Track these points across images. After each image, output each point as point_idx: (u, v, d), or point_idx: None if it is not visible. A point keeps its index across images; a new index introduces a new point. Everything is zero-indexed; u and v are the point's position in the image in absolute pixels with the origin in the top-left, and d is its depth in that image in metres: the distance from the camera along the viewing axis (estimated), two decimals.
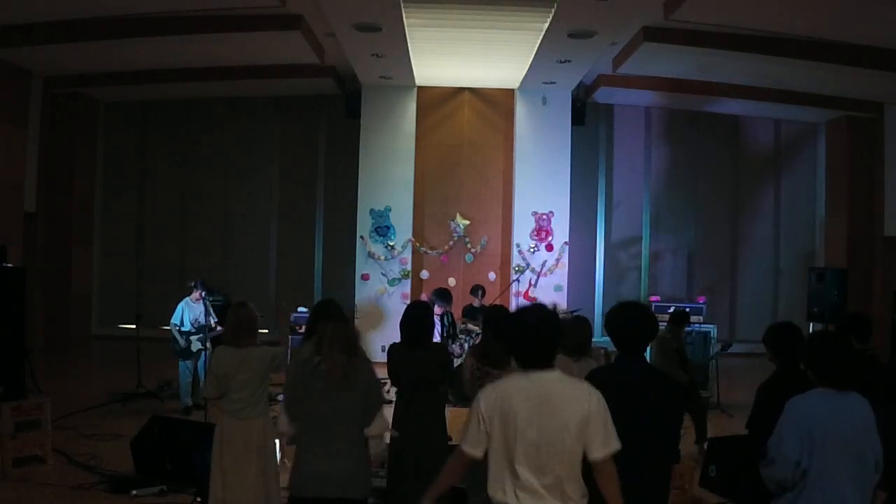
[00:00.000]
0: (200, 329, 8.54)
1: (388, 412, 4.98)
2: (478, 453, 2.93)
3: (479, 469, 4.88)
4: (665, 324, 7.70)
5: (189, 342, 8.52)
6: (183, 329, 8.54)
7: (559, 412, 2.84)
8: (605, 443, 2.86)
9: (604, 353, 9.10)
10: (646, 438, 3.29)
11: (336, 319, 3.98)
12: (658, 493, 3.40)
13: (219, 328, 8.54)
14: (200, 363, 8.54)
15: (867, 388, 3.36)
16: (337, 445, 3.73)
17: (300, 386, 3.83)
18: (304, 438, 3.80)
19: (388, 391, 9.17)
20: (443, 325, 9.69)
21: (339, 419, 3.75)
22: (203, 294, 8.70)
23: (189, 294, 8.74)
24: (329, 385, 3.73)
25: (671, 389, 3.54)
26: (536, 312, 3.04)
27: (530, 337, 2.95)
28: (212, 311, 8.71)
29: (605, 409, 2.90)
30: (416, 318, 4.95)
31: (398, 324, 5.00)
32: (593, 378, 3.48)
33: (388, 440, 4.07)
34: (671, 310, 8.31)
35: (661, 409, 3.38)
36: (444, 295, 9.88)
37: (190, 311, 8.61)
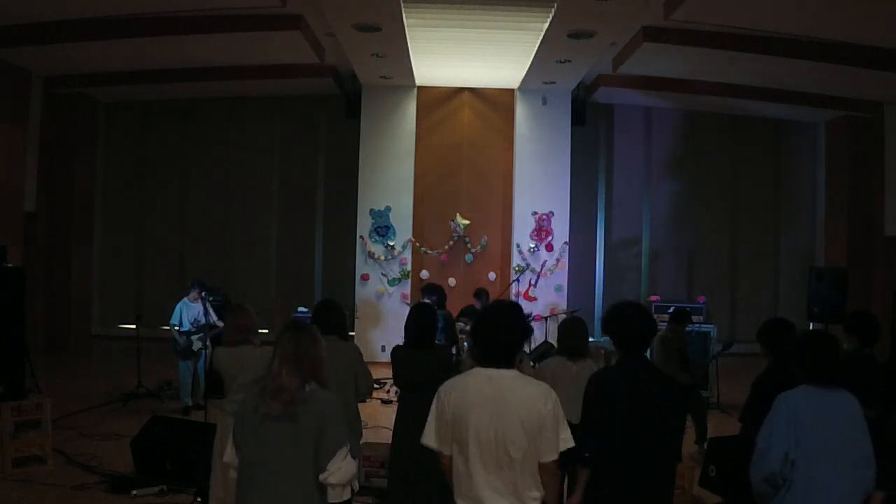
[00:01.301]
0: (200, 329, 8.54)
1: (390, 412, 5.00)
2: (447, 451, 2.95)
3: None
4: (666, 323, 7.71)
5: (189, 342, 8.52)
6: (182, 329, 8.54)
7: (514, 410, 2.87)
8: (556, 447, 2.91)
9: (603, 353, 9.11)
10: (650, 440, 3.30)
11: (298, 331, 3.14)
12: (662, 494, 3.40)
13: (219, 324, 8.55)
14: (200, 363, 8.54)
15: (865, 390, 3.36)
16: (275, 489, 2.97)
17: (247, 408, 3.09)
18: (240, 474, 3.09)
19: (389, 391, 9.22)
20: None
21: (279, 455, 2.97)
22: (202, 294, 8.70)
23: (187, 294, 8.74)
24: (271, 411, 2.97)
25: (674, 391, 3.55)
26: (503, 315, 3.05)
27: (492, 337, 2.98)
28: (211, 310, 8.71)
29: (561, 414, 2.94)
30: (419, 319, 4.96)
31: (400, 324, 5.02)
32: (596, 381, 3.48)
33: (355, 488, 3.22)
34: (671, 310, 8.31)
35: (665, 410, 3.38)
36: (428, 290, 9.65)
37: (188, 311, 8.62)
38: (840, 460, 3.17)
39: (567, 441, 2.94)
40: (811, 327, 10.30)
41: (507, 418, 2.86)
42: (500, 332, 2.98)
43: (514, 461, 2.85)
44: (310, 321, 4.96)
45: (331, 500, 3.02)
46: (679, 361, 7.23)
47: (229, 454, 3.15)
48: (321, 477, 2.97)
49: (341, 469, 2.98)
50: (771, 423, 3.25)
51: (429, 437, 3.02)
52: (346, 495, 3.07)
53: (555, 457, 2.91)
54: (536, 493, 2.91)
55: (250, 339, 4.68)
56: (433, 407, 3.01)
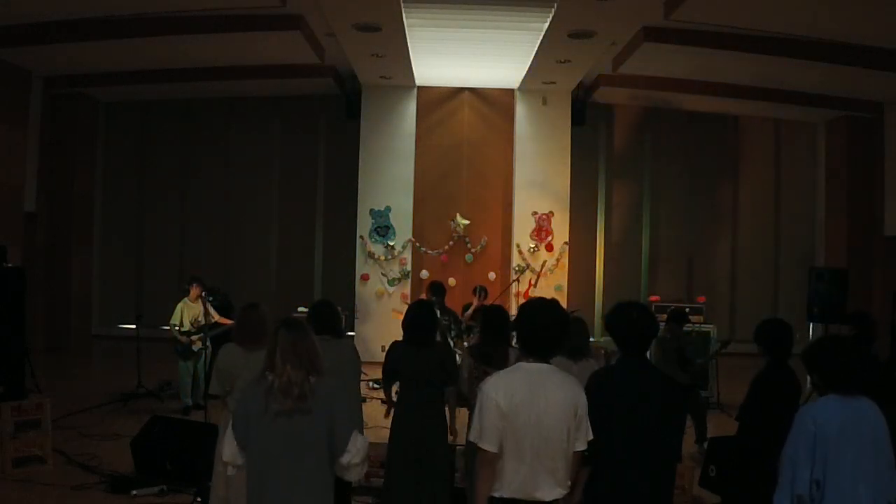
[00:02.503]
0: (200, 329, 8.52)
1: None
2: (496, 449, 3.03)
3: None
4: (663, 323, 7.70)
5: (190, 342, 8.50)
6: (182, 329, 8.53)
7: (559, 402, 3.04)
8: (587, 436, 3.11)
9: (604, 353, 9.10)
10: (650, 439, 3.29)
11: (292, 328, 3.25)
12: (663, 493, 3.40)
13: (222, 321, 8.54)
14: (200, 363, 8.53)
15: (865, 390, 3.33)
16: (293, 481, 3.09)
17: (251, 407, 3.17)
18: (253, 471, 3.16)
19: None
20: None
21: (295, 448, 3.09)
22: (202, 293, 8.66)
23: (186, 294, 8.71)
24: (284, 407, 3.07)
25: (673, 391, 3.54)
26: (554, 310, 3.20)
27: (547, 332, 3.12)
28: (211, 308, 8.69)
29: (587, 405, 3.14)
30: (418, 316, 4.96)
31: (400, 324, 5.02)
32: (596, 380, 3.48)
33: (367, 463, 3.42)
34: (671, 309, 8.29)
35: (665, 410, 3.37)
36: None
37: (189, 311, 8.60)
38: (865, 472, 3.10)
39: (590, 431, 3.13)
40: (811, 327, 10.29)
41: (556, 411, 3.02)
42: (544, 328, 3.12)
43: (562, 451, 3.03)
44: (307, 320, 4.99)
45: (351, 479, 3.23)
46: (678, 361, 7.23)
47: (230, 453, 3.20)
48: (344, 460, 3.13)
49: (360, 450, 3.17)
50: (796, 442, 3.15)
51: (476, 436, 3.06)
52: (363, 471, 3.27)
53: (586, 445, 3.11)
54: (569, 481, 3.10)
55: (259, 339, 4.67)
56: (480, 405, 3.07)
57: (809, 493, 3.09)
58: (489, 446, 3.03)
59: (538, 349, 3.13)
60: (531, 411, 3.00)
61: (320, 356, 3.24)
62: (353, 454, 3.15)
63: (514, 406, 3.01)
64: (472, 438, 3.09)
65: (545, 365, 3.13)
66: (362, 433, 3.81)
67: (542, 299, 3.34)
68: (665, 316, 7.72)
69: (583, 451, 3.10)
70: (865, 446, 3.12)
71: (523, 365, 3.14)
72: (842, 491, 3.08)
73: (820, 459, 3.09)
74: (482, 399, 3.07)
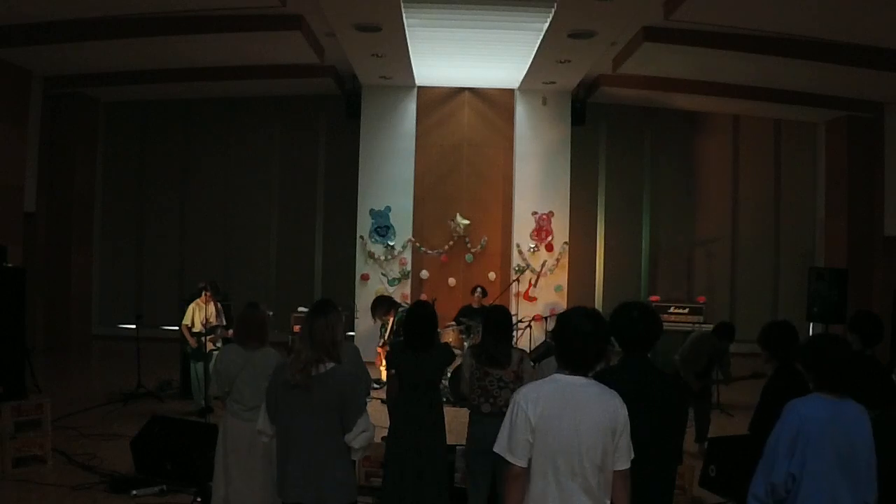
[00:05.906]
0: (212, 330, 8.50)
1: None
2: (524, 463, 2.83)
3: (477, 467, 4.89)
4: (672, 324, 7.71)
5: (204, 342, 8.47)
6: (194, 331, 8.51)
7: (596, 418, 2.82)
8: (629, 454, 2.87)
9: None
10: (651, 440, 3.28)
11: (316, 314, 3.63)
12: (663, 494, 3.40)
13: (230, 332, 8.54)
14: (211, 365, 8.49)
15: (866, 391, 3.32)
16: (305, 449, 3.50)
17: (276, 381, 3.65)
18: (277, 439, 3.65)
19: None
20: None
21: (305, 421, 3.49)
22: (210, 296, 8.64)
23: (198, 296, 8.68)
24: (294, 382, 3.49)
25: (674, 392, 3.53)
26: (591, 320, 2.97)
27: (586, 344, 2.91)
28: (222, 313, 8.68)
29: (629, 421, 2.89)
30: (418, 318, 4.95)
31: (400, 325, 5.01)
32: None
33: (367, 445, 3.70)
34: (719, 322, 8.29)
35: (667, 411, 3.36)
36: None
37: (200, 312, 8.58)
38: (845, 474, 3.09)
39: (632, 448, 2.90)
40: (811, 327, 10.29)
41: (591, 426, 2.80)
42: (580, 339, 2.91)
43: (597, 468, 2.80)
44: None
45: (355, 457, 3.64)
46: (701, 369, 7.26)
47: (262, 423, 3.70)
48: (346, 438, 3.51)
49: (363, 435, 3.53)
50: (778, 434, 3.16)
51: (502, 447, 2.87)
52: (362, 454, 3.71)
53: (629, 464, 2.87)
54: (608, 501, 2.86)
55: (259, 339, 4.66)
56: (509, 416, 2.87)
57: (784, 485, 3.09)
58: (517, 461, 2.81)
59: (573, 361, 2.91)
60: (563, 426, 2.79)
61: (337, 345, 3.59)
62: (355, 439, 3.51)
63: (546, 419, 2.80)
64: (498, 451, 2.86)
65: (581, 378, 2.90)
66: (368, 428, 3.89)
67: (581, 309, 3.09)
68: (665, 315, 7.73)
69: (627, 469, 2.85)
70: (846, 446, 3.10)
71: (558, 377, 2.92)
72: (819, 487, 3.07)
73: (799, 454, 3.08)
74: (513, 409, 2.86)
